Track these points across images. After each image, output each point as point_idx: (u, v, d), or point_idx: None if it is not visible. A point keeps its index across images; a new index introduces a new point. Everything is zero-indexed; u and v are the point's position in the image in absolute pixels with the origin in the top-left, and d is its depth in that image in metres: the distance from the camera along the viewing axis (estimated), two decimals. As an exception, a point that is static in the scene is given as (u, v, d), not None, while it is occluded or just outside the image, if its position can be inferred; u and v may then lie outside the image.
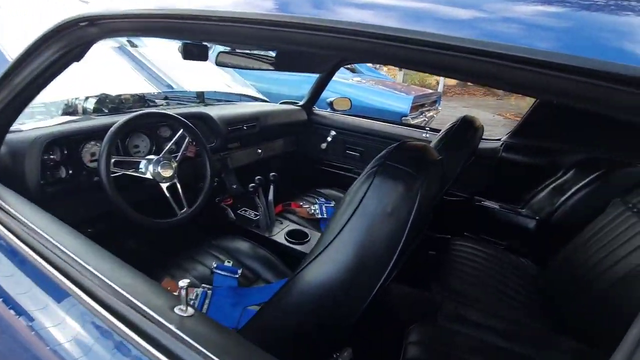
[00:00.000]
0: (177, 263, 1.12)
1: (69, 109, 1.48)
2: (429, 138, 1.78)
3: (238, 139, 1.63)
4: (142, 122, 1.08)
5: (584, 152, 1.41)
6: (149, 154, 1.27)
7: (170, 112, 1.31)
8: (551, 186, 1.49)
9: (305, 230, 1.44)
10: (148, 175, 1.07)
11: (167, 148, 1.24)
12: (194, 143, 1.27)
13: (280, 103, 2.09)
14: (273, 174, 1.45)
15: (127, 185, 1.07)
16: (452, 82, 14.56)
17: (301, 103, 2.09)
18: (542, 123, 1.47)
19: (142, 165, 1.08)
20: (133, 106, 1.61)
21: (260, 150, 1.84)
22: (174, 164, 1.14)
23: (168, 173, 1.10)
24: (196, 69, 2.02)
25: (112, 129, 0.99)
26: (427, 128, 1.81)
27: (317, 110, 2.14)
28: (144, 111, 1.08)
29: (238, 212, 1.55)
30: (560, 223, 1.38)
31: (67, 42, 0.68)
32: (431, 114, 4.33)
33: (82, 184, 1.06)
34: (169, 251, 1.18)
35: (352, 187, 0.59)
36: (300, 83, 4.01)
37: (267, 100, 2.14)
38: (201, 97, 2.01)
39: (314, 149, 2.14)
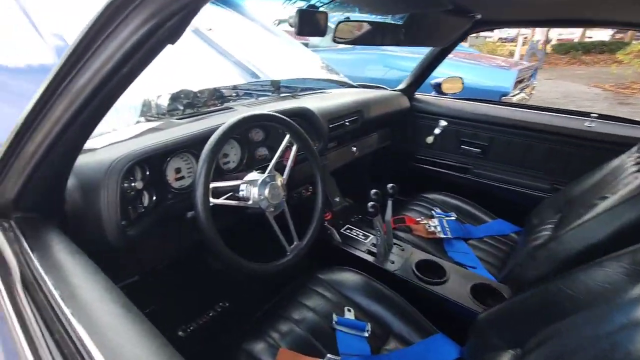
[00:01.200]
0: (280, 312, 0.84)
1: (142, 109, 1.26)
2: (594, 128, 1.29)
3: (337, 137, 1.30)
4: (244, 128, 0.79)
5: None
6: (240, 164, 1.00)
7: (262, 110, 1.02)
8: None
9: (435, 259, 1.08)
10: (251, 203, 0.78)
11: (262, 157, 0.95)
12: (292, 147, 0.96)
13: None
14: (391, 185, 1.10)
15: (217, 213, 0.80)
16: (524, 51, 12.82)
17: (401, 86, 1.69)
18: None
19: (243, 189, 0.80)
20: (209, 102, 1.35)
21: (355, 149, 1.50)
22: (282, 183, 0.84)
23: (277, 198, 0.81)
24: (275, 54, 1.71)
25: (210, 142, 0.72)
26: (593, 114, 1.30)
27: (419, 94, 1.73)
28: (249, 114, 0.78)
29: (341, 231, 1.23)
30: None
31: (155, 10, 0.37)
32: (529, 90, 3.63)
33: (169, 212, 0.81)
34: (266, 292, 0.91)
35: None
36: (364, 63, 3.58)
37: (354, 84, 1.77)
38: (276, 86, 1.70)
39: (415, 144, 1.74)
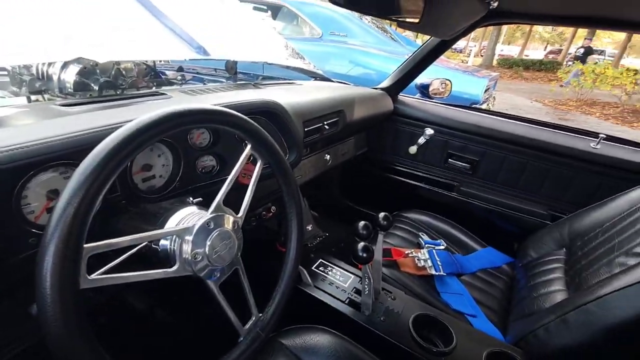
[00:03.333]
0: None
1: (31, 83, 0.84)
2: (599, 151, 1.14)
3: (311, 144, 0.99)
4: (169, 129, 0.44)
5: None
6: (170, 184, 0.65)
7: (214, 99, 0.68)
8: None
9: (436, 314, 0.83)
10: (176, 269, 0.44)
11: (206, 169, 0.62)
12: (252, 160, 0.64)
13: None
14: (384, 215, 0.83)
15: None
16: (475, 62, 13.58)
17: (384, 84, 1.43)
18: None
19: (165, 245, 0.46)
20: (138, 83, 0.97)
21: (328, 157, 1.21)
22: (237, 225, 0.52)
23: (228, 257, 0.49)
24: (231, 30, 1.35)
25: (94, 156, 0.36)
26: (601, 135, 1.15)
27: (404, 96, 1.49)
28: (181, 109, 0.43)
29: (313, 268, 0.93)
30: None
31: None
32: (492, 100, 3.65)
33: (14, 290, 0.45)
34: None
35: None
36: (328, 56, 3.31)
37: (331, 79, 1.47)
38: (233, 70, 1.35)
39: (395, 153, 1.50)
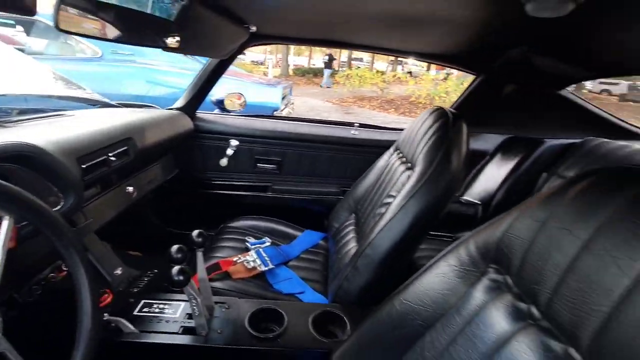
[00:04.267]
0: None
1: None
2: (358, 135, 1.53)
3: (100, 179, 0.88)
4: None
5: (505, 135, 1.49)
6: None
7: None
8: (484, 170, 1.52)
9: (267, 305, 0.92)
10: None
11: None
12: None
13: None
14: (198, 232, 0.84)
15: None
16: (275, 73, 15.10)
17: (178, 104, 1.41)
18: (471, 109, 1.46)
19: None
20: None
21: (131, 188, 1.11)
22: None
23: None
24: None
25: None
26: (356, 124, 1.54)
27: (202, 113, 1.51)
28: None
29: (136, 313, 0.84)
30: (502, 204, 1.42)
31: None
32: (291, 105, 4.17)
33: None
34: None
35: None
36: (120, 77, 2.99)
37: (113, 103, 1.33)
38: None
39: (208, 169, 1.52)
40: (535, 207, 0.48)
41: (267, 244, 1.27)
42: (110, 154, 0.87)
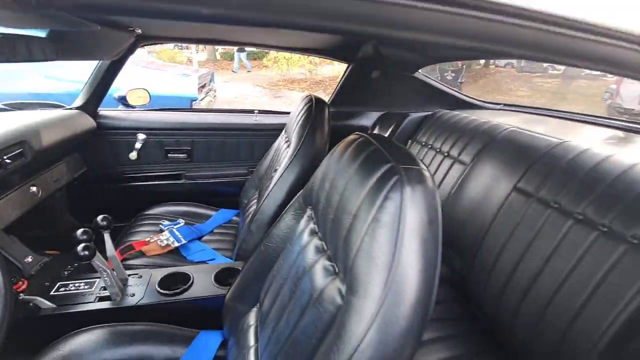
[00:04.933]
0: None
1: None
2: (259, 121, 1.72)
3: (-4, 182, 0.96)
4: None
5: (379, 112, 1.80)
6: None
7: None
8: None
9: (176, 269, 1.10)
10: None
11: None
12: None
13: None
14: (102, 216, 0.98)
15: None
16: (201, 58, 14.35)
17: (77, 103, 1.46)
18: (349, 93, 1.73)
19: None
20: None
21: (35, 188, 1.18)
22: None
23: None
24: None
25: None
26: (256, 111, 1.73)
27: (105, 110, 1.57)
28: None
29: (53, 293, 0.96)
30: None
31: None
32: (212, 93, 4.17)
33: None
34: None
35: None
36: (11, 74, 2.78)
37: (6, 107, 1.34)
38: None
39: (119, 163, 1.60)
40: (325, 161, 0.73)
41: (181, 224, 1.43)
42: (5, 157, 0.96)
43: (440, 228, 0.49)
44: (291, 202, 0.86)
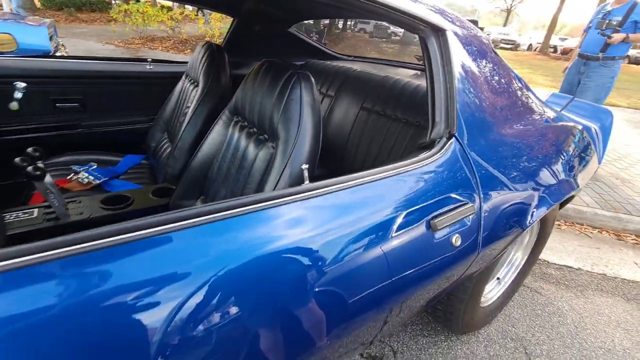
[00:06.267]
0: None
1: None
2: (153, 69, 1.83)
3: None
4: None
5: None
6: None
7: None
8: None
9: (115, 193, 1.27)
10: None
11: None
12: None
13: None
14: (33, 148, 1.06)
15: None
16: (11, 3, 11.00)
17: None
18: (235, 45, 1.99)
19: None
20: None
21: None
22: None
23: None
24: None
25: None
26: (149, 60, 1.82)
27: (-34, 56, 1.41)
28: None
29: (4, 220, 1.03)
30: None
31: None
32: (62, 47, 3.61)
33: None
34: None
35: None
36: None
37: None
38: None
39: (-4, 115, 1.49)
40: (241, 85, 1.09)
41: (94, 166, 1.52)
42: None
43: (320, 104, 0.94)
44: (216, 120, 1.18)
